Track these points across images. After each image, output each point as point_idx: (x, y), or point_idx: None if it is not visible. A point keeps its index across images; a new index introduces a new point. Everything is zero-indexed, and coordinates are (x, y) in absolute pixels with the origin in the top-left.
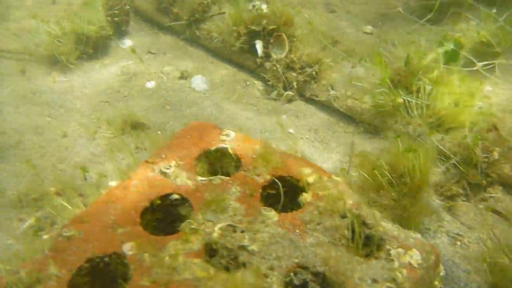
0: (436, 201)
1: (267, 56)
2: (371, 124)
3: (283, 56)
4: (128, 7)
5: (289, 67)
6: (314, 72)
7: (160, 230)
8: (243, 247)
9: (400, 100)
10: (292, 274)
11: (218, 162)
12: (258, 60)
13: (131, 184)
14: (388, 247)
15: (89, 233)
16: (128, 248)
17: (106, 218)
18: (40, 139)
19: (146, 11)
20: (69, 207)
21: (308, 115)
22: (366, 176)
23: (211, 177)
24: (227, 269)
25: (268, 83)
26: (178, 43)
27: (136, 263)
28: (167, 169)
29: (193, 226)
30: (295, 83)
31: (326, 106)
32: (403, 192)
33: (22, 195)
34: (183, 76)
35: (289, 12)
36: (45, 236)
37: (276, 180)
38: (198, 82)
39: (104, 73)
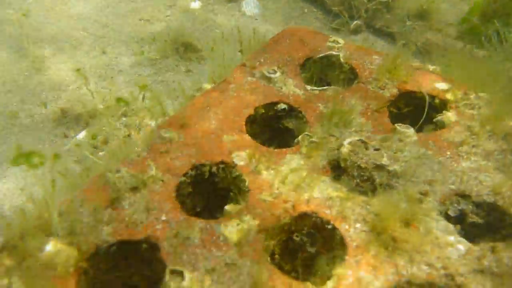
0: None
1: None
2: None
3: None
4: None
5: None
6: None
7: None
8: (381, 167)
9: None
10: (448, 203)
11: (327, 72)
12: None
13: (229, 88)
14: None
15: (190, 138)
16: (239, 158)
17: (208, 123)
18: (76, 53)
19: None
20: (121, 126)
21: (376, 48)
22: None
23: (324, 87)
24: (361, 191)
25: (333, 9)
26: None
27: (251, 176)
28: (271, 73)
29: (313, 139)
30: (363, 11)
31: (397, 39)
32: None
33: (66, 110)
34: None
35: None
36: (101, 153)
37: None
38: (250, 5)
39: None
